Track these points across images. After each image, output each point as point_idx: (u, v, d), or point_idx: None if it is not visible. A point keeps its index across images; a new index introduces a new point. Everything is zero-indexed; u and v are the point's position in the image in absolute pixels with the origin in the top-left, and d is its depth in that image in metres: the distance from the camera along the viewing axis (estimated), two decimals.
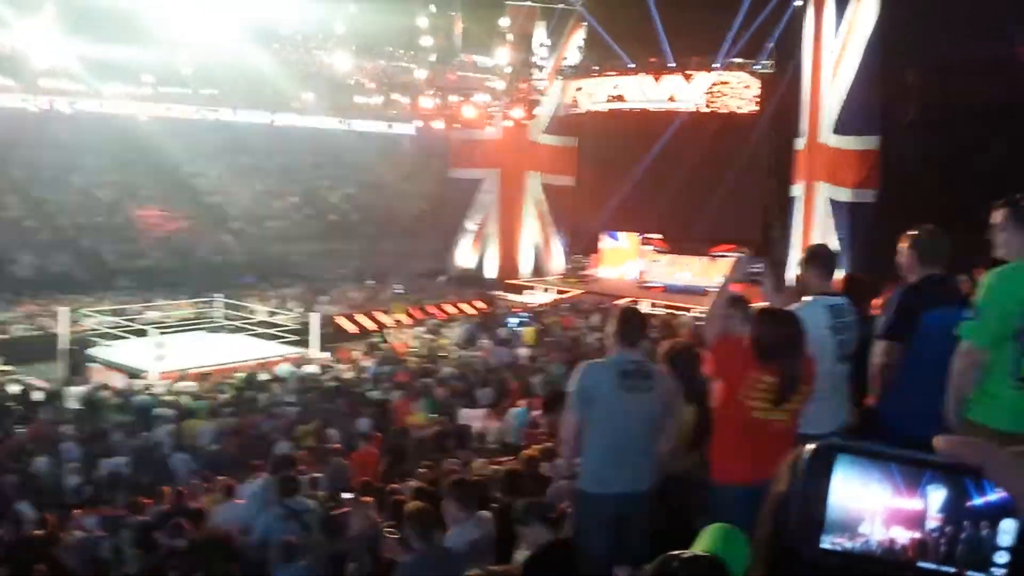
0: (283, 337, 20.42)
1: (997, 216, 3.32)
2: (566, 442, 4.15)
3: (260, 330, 21.02)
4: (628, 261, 29.47)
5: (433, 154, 34.22)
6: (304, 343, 19.74)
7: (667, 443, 3.91)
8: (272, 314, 21.82)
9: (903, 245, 3.97)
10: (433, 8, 24.38)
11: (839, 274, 4.96)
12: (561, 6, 28.58)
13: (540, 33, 28.63)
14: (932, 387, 3.40)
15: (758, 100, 26.28)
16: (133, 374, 16.50)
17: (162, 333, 18.73)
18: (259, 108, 28.77)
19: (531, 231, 30.71)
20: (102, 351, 18.43)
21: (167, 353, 16.91)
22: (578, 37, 29.24)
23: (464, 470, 7.48)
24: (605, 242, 30.26)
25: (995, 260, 4.06)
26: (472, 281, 29.52)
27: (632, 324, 3.88)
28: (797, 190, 23.79)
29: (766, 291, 4.08)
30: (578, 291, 27.49)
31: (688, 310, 22.44)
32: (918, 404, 3.57)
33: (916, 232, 3.94)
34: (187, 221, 29.03)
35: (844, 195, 21.92)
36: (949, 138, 18.16)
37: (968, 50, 17.23)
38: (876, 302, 4.82)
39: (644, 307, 23.89)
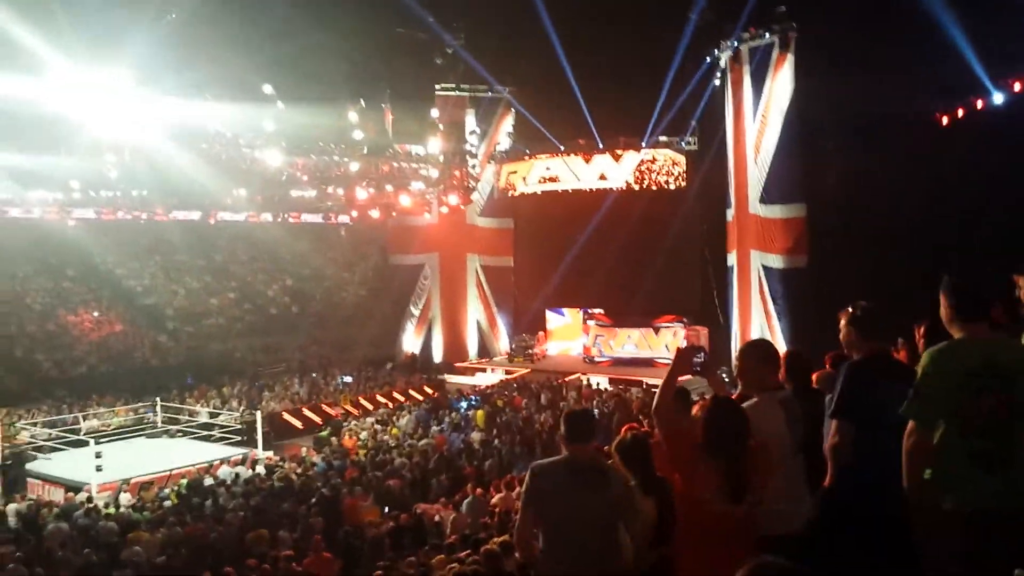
0: (227, 438, 19.92)
1: None
2: (521, 542, 4.09)
3: (202, 432, 20.45)
4: (576, 336, 29.71)
5: (370, 242, 34.30)
6: (249, 442, 19.25)
7: (627, 540, 3.85)
8: (213, 415, 21.31)
9: (843, 322, 4.05)
10: (363, 103, 24.66)
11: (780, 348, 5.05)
12: (489, 94, 29.33)
13: (470, 121, 29.27)
14: (885, 463, 3.43)
15: (685, 175, 27.13)
16: (72, 487, 15.85)
17: (100, 442, 18.10)
18: (190, 207, 28.52)
19: (475, 312, 30.84)
20: (39, 465, 17.75)
21: (106, 463, 16.26)
22: (507, 123, 29.99)
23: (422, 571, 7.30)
24: (551, 319, 30.53)
25: (928, 326, 4.18)
26: (419, 366, 29.37)
27: (580, 424, 3.88)
28: (731, 259, 24.44)
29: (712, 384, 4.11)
30: (525, 370, 27.49)
31: (640, 383, 22.65)
32: (872, 481, 3.60)
33: (854, 309, 4.02)
34: (122, 324, 28.36)
35: (776, 262, 22.57)
36: (870, 202, 18.82)
37: (883, 115, 17.98)
38: (814, 375, 4.89)
39: (593, 382, 24.07)
